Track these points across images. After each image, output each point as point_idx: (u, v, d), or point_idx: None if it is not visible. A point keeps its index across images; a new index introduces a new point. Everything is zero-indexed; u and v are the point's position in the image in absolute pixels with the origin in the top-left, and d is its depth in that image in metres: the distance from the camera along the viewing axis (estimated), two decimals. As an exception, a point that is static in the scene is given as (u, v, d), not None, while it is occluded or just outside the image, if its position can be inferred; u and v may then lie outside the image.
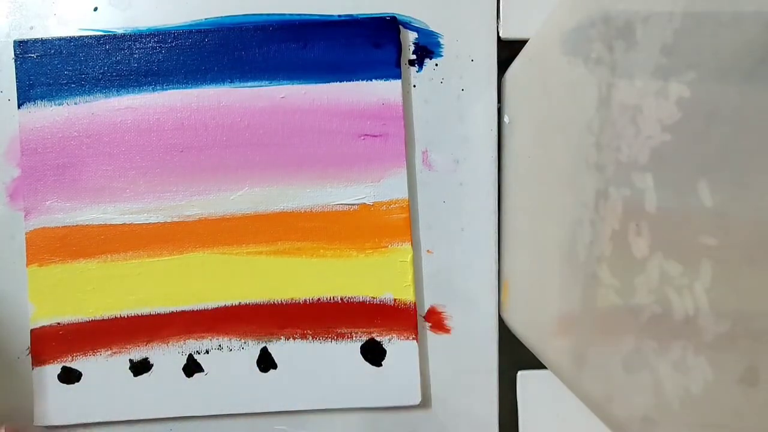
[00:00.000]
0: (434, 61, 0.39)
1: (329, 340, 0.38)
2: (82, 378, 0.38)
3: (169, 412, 0.38)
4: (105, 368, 0.38)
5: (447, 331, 0.39)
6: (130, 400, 0.38)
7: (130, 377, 0.38)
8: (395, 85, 0.38)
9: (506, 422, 0.40)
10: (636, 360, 0.21)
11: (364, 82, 0.38)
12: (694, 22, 0.17)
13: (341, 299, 0.38)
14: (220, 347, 0.38)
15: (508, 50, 0.39)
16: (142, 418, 0.38)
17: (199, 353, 0.38)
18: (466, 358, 0.39)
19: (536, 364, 0.33)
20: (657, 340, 0.19)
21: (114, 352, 0.38)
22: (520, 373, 0.39)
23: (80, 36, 0.38)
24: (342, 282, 0.38)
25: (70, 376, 0.38)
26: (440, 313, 0.39)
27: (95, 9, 0.39)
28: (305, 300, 0.38)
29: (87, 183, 0.38)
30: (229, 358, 0.38)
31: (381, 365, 0.38)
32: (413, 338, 0.38)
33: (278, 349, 0.38)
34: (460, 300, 0.39)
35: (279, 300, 0.38)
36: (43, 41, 0.38)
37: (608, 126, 0.22)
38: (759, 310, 0.15)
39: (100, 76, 0.38)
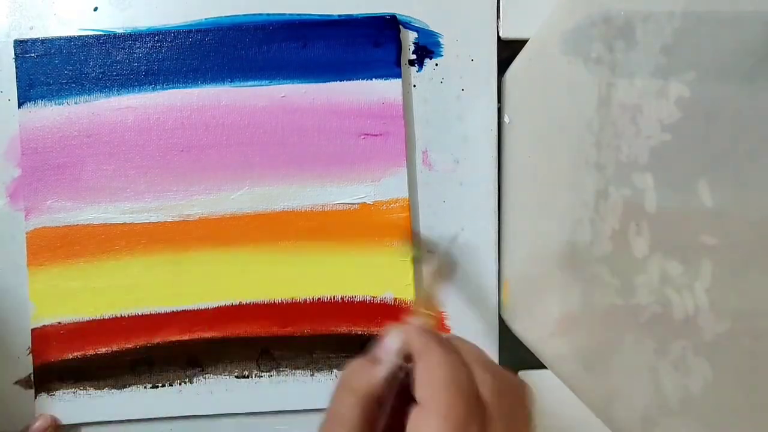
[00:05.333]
0: (434, 61, 0.39)
1: (330, 339, 0.38)
2: (82, 378, 0.38)
3: (169, 411, 0.38)
4: (105, 368, 0.38)
5: (447, 331, 0.39)
6: (131, 399, 0.38)
7: (131, 377, 0.38)
8: (395, 84, 0.38)
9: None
10: (636, 360, 0.21)
11: (364, 81, 0.38)
12: (694, 22, 0.17)
13: (341, 298, 0.38)
14: (220, 347, 0.38)
15: (508, 50, 0.39)
16: (142, 417, 0.38)
17: (199, 353, 0.38)
18: (466, 358, 0.39)
19: (536, 364, 0.33)
20: (657, 340, 0.19)
21: (114, 352, 0.38)
22: (520, 373, 0.39)
23: (80, 36, 0.38)
24: (342, 281, 0.38)
25: (70, 376, 0.38)
26: (440, 313, 0.39)
27: (95, 9, 0.39)
28: (305, 299, 0.38)
29: (87, 182, 0.38)
30: (230, 358, 0.38)
31: (381, 365, 0.38)
32: (413, 338, 0.38)
33: (279, 348, 0.38)
34: (460, 300, 0.39)
35: (279, 299, 0.38)
36: (43, 41, 0.38)
37: (608, 126, 0.22)
38: (759, 310, 0.15)
39: (100, 75, 0.38)
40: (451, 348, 0.23)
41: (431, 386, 0.21)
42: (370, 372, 0.23)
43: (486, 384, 0.22)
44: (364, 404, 0.22)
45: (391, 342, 0.24)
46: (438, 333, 0.25)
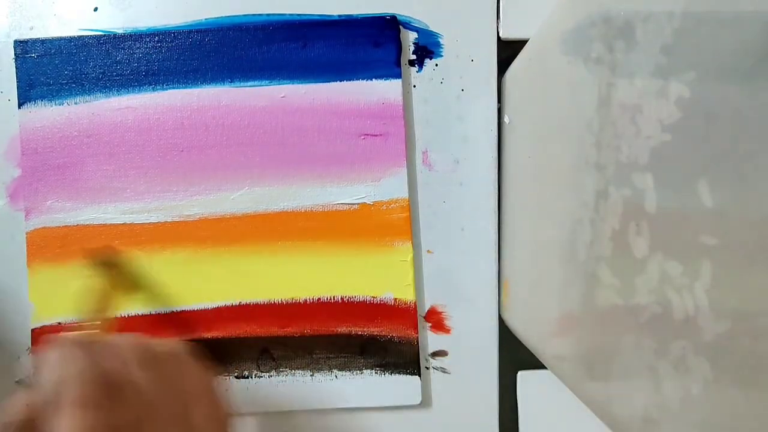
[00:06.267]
0: (434, 61, 0.39)
1: (330, 339, 0.38)
2: (82, 378, 0.38)
3: (170, 411, 0.38)
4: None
5: (447, 331, 0.39)
6: (131, 399, 0.38)
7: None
8: (395, 84, 0.38)
9: (506, 422, 0.40)
10: (636, 360, 0.21)
11: (364, 81, 0.38)
12: (694, 22, 0.17)
13: (341, 299, 0.38)
14: (220, 347, 0.38)
15: (508, 50, 0.39)
16: (142, 417, 0.38)
17: (199, 353, 0.38)
18: (466, 358, 0.39)
19: (536, 364, 0.33)
20: (657, 340, 0.19)
21: (114, 352, 0.38)
22: (520, 373, 0.39)
23: (80, 36, 0.38)
24: (342, 281, 0.38)
25: (70, 376, 0.38)
26: (440, 313, 0.39)
27: (95, 9, 0.39)
28: (305, 300, 0.38)
29: (87, 183, 0.38)
30: (230, 358, 0.38)
31: (381, 365, 0.38)
32: (413, 338, 0.38)
33: (279, 348, 0.38)
34: (460, 300, 0.39)
35: (279, 300, 0.38)
36: (43, 41, 0.38)
37: (608, 126, 0.22)
38: (759, 310, 0.15)
39: (100, 75, 0.38)
40: (62, 346, 0.24)
41: (44, 386, 0.23)
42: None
43: (120, 362, 0.24)
44: None
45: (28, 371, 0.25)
46: (56, 337, 0.27)
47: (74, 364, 0.23)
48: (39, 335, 0.38)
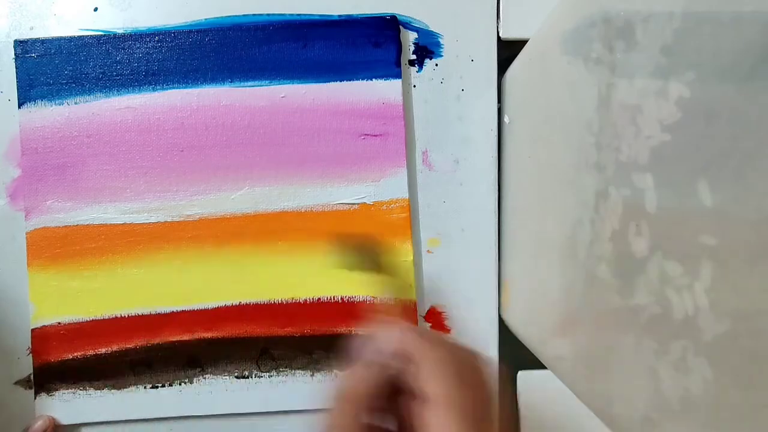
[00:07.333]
0: (434, 61, 0.39)
1: (330, 339, 0.38)
2: (82, 378, 0.38)
3: (169, 411, 0.38)
4: (105, 368, 0.38)
5: (447, 331, 0.39)
6: (131, 399, 0.38)
7: (131, 377, 0.38)
8: (395, 84, 0.38)
9: (506, 422, 0.40)
10: (636, 360, 0.21)
11: (365, 81, 0.38)
12: (694, 22, 0.17)
13: (341, 298, 0.38)
14: (220, 347, 0.38)
15: (508, 50, 0.39)
16: (142, 417, 0.38)
17: (199, 353, 0.38)
18: (466, 358, 0.39)
19: (536, 364, 0.33)
20: (657, 340, 0.19)
21: (114, 352, 0.38)
22: (520, 373, 0.39)
23: (80, 36, 0.38)
24: (342, 281, 0.38)
25: (70, 376, 0.38)
26: (440, 313, 0.39)
27: (95, 9, 0.39)
28: (305, 300, 0.38)
29: (87, 183, 0.38)
30: (230, 358, 0.38)
31: (381, 365, 0.38)
32: (413, 338, 0.38)
33: (279, 348, 0.38)
34: (460, 300, 0.39)
35: (279, 299, 0.38)
36: (43, 41, 0.38)
37: (608, 126, 0.22)
38: (759, 310, 0.15)
39: (101, 75, 0.38)
40: (450, 345, 0.24)
41: (443, 383, 0.22)
42: (365, 378, 0.24)
43: (478, 371, 0.24)
44: (363, 411, 0.23)
45: (386, 344, 0.24)
46: (431, 331, 0.26)
47: (461, 368, 0.23)
48: (39, 335, 0.38)
